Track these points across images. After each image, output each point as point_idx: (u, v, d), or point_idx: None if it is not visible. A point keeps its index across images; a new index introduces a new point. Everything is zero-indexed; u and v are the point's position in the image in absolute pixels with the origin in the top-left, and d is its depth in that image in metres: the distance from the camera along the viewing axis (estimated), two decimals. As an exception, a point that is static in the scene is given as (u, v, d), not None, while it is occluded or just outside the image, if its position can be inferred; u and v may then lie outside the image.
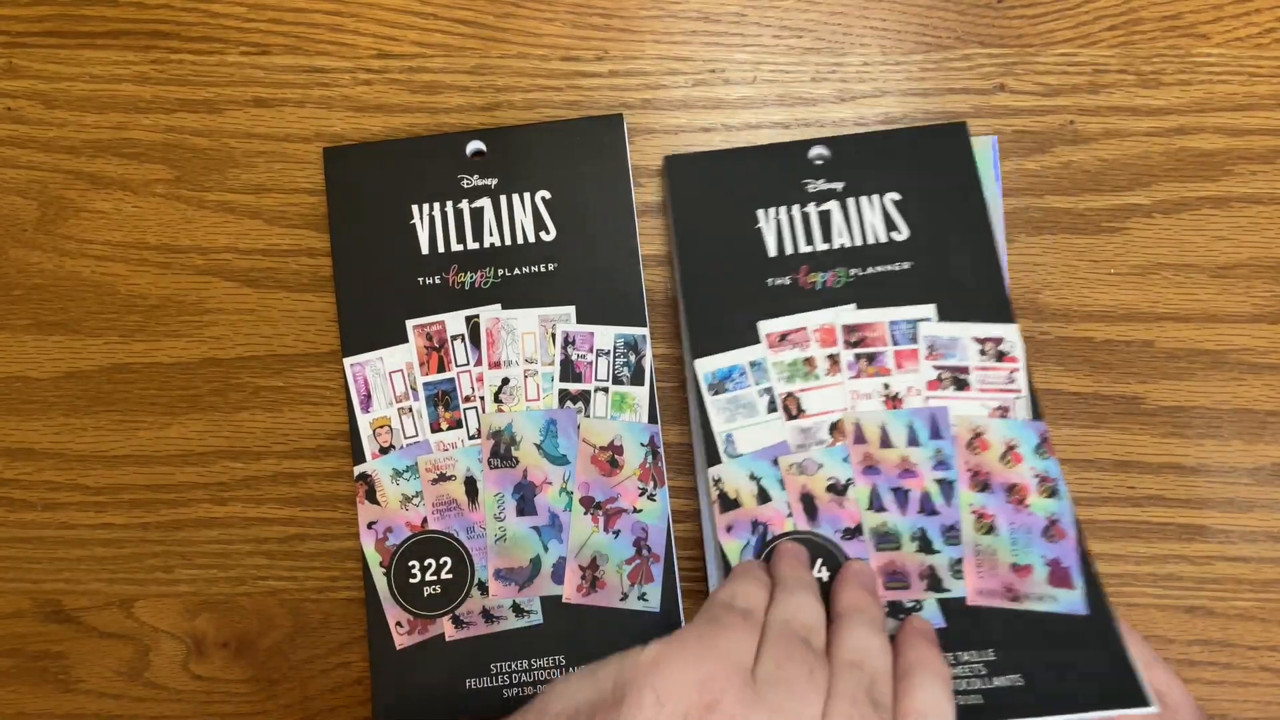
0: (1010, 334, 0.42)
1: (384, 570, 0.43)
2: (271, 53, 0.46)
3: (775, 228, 0.44)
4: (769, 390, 0.42)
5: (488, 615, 0.42)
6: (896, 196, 0.44)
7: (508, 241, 0.44)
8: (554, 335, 0.44)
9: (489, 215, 0.44)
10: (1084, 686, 0.39)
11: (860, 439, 0.42)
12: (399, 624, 0.42)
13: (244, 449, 0.45)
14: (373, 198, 0.44)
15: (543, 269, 0.44)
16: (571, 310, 0.44)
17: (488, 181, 0.44)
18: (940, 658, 0.37)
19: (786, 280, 0.43)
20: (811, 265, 0.43)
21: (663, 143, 0.45)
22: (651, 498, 0.43)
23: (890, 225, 0.43)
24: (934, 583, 0.41)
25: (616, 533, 0.43)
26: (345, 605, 0.44)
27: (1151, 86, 0.46)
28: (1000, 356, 0.42)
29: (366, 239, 0.44)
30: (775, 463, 0.42)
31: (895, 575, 0.41)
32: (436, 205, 0.44)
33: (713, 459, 0.42)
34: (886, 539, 0.41)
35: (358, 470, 0.43)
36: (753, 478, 0.42)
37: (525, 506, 0.43)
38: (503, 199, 0.44)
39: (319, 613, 0.44)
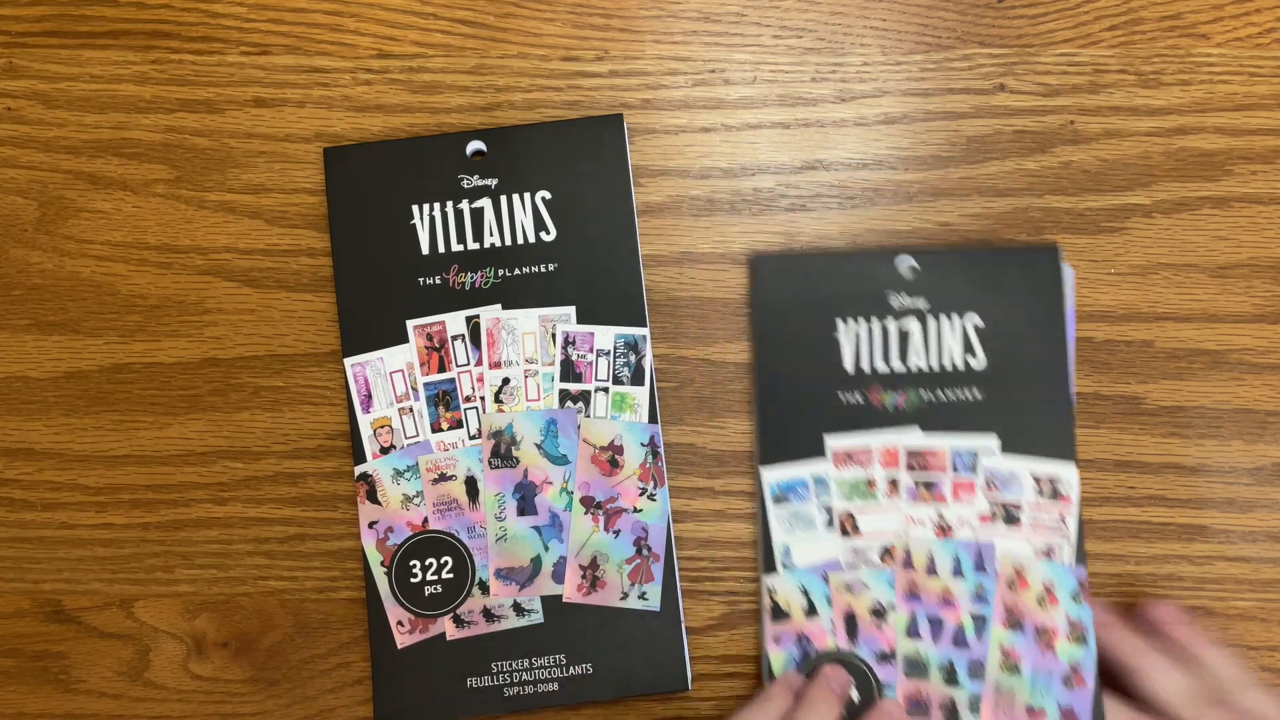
0: (1068, 473, 0.44)
1: (385, 570, 0.44)
2: (271, 53, 0.47)
3: (854, 340, 0.45)
4: (829, 507, 0.44)
5: (489, 614, 0.44)
6: (979, 321, 0.44)
7: (508, 242, 0.45)
8: (554, 335, 0.45)
9: (489, 215, 0.45)
10: None
11: (908, 564, 0.44)
12: (400, 623, 0.44)
13: (244, 449, 0.46)
14: (373, 198, 0.45)
15: (543, 269, 0.45)
16: (572, 310, 0.45)
17: (488, 182, 0.45)
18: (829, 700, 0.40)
19: (859, 398, 0.44)
20: (884, 385, 0.44)
21: (663, 143, 0.47)
22: (651, 497, 0.44)
23: (969, 349, 0.44)
24: (951, 715, 0.43)
25: (617, 532, 0.44)
26: (345, 605, 0.45)
27: (1151, 86, 0.47)
28: (1055, 495, 0.44)
29: (367, 239, 0.45)
30: (826, 579, 0.44)
31: (918, 704, 0.43)
32: (437, 205, 0.45)
33: (769, 567, 0.44)
34: (916, 667, 0.43)
35: (359, 470, 0.44)
36: (803, 591, 0.44)
37: (526, 506, 0.44)
38: (503, 199, 0.45)
39: (319, 613, 0.46)
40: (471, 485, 0.44)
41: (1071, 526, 0.44)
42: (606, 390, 0.45)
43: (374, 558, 0.44)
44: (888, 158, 0.47)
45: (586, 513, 0.44)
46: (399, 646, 0.43)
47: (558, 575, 0.44)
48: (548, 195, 0.45)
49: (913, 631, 0.43)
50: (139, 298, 0.46)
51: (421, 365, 0.45)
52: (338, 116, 0.47)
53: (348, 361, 0.45)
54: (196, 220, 0.47)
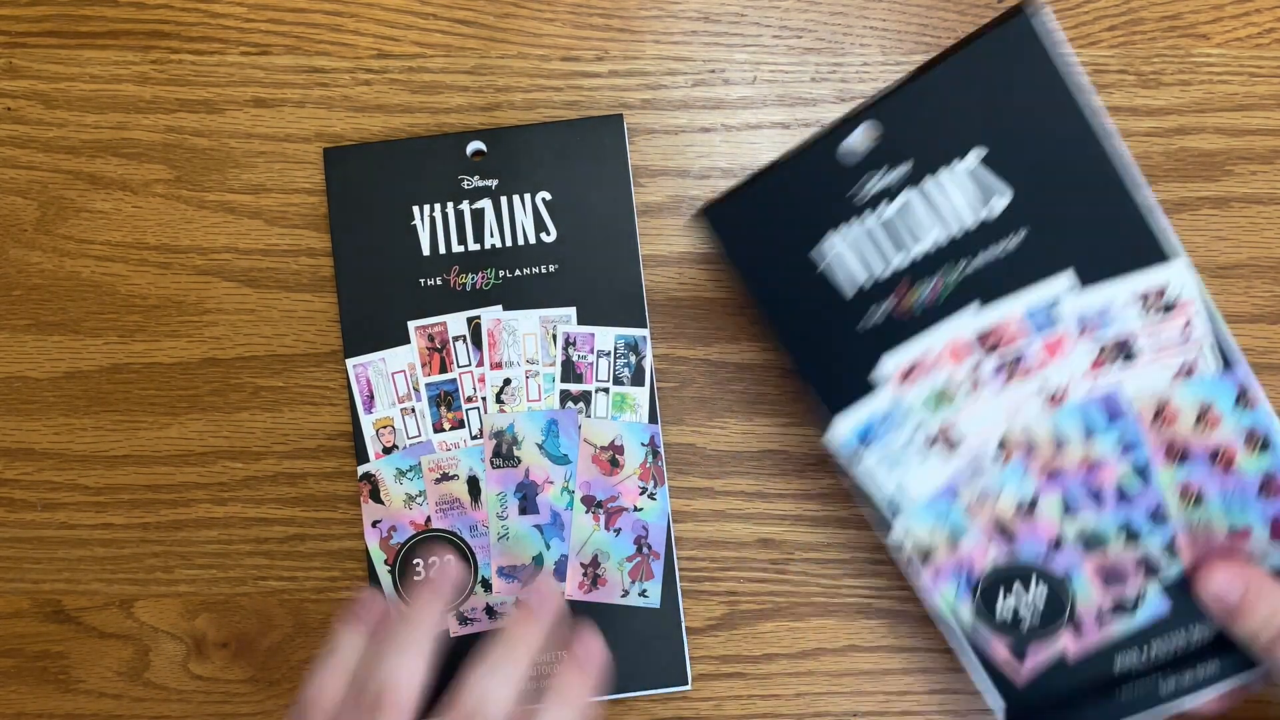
0: (1173, 275, 0.39)
1: (388, 568, 0.47)
2: (271, 53, 0.50)
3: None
4: (918, 430, 0.41)
5: (491, 612, 0.47)
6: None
7: (509, 243, 0.49)
8: (555, 336, 0.48)
9: (490, 216, 0.49)
10: None
11: (1032, 450, 0.41)
12: (403, 621, 0.47)
13: (244, 449, 0.49)
14: (373, 198, 0.49)
15: (543, 270, 0.48)
16: (572, 311, 0.48)
17: (488, 182, 0.49)
18: (582, 681, 0.39)
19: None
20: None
21: (663, 143, 0.50)
22: (652, 496, 0.48)
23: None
24: (1150, 568, 0.41)
25: (617, 531, 0.48)
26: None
27: (1151, 86, 0.50)
28: (1168, 309, 0.39)
29: (367, 240, 0.49)
30: (955, 498, 0.42)
31: (1112, 575, 0.41)
32: (437, 206, 0.49)
33: (890, 516, 0.42)
34: (1093, 542, 0.41)
35: (361, 470, 0.48)
36: (938, 523, 0.42)
37: (527, 505, 0.48)
38: (503, 200, 0.49)
39: (319, 613, 0.49)
40: (473, 485, 0.48)
41: (1201, 332, 0.40)
42: (607, 390, 0.48)
43: (377, 556, 0.48)
44: (888, 158, 0.50)
45: (587, 512, 0.48)
46: (401, 645, 0.47)
47: (559, 573, 0.47)
48: (548, 196, 0.49)
49: (1071, 509, 0.41)
50: (139, 298, 0.50)
51: (423, 366, 0.48)
52: (338, 116, 0.50)
53: (350, 362, 0.48)
54: (196, 220, 0.50)
